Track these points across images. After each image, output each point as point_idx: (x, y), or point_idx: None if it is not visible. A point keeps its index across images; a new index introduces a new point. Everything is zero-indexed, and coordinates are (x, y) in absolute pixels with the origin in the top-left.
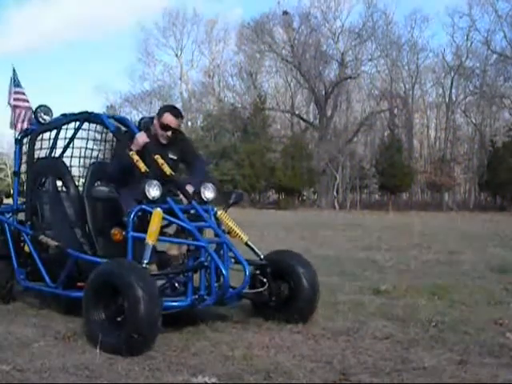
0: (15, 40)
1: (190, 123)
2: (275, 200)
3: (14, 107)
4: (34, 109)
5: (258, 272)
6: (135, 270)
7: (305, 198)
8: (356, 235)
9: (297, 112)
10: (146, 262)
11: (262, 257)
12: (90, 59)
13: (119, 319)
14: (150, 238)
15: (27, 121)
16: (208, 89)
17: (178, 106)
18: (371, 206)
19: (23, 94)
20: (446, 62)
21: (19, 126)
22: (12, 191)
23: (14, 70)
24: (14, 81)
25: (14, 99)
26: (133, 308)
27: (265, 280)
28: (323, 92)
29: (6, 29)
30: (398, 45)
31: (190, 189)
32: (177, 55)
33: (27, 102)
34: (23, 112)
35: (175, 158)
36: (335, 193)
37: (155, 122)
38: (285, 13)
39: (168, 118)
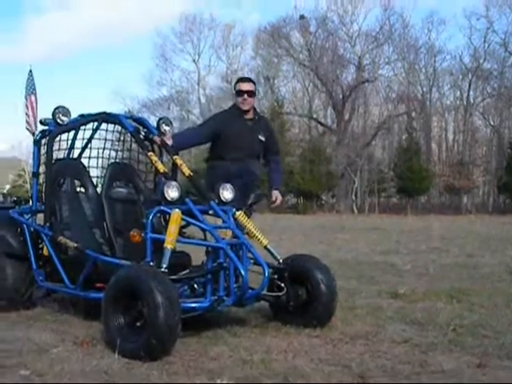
0: (33, 47)
1: None
2: (294, 204)
3: (30, 112)
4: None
5: (275, 276)
6: (155, 276)
7: (323, 201)
8: (374, 239)
9: (314, 116)
10: (165, 266)
11: (280, 261)
12: (108, 65)
13: (138, 324)
14: (169, 242)
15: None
16: (226, 94)
17: (196, 111)
18: (389, 209)
19: (32, 101)
20: (463, 64)
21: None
22: (30, 196)
23: (30, 72)
24: (28, 87)
25: (27, 106)
26: (152, 314)
27: (283, 285)
28: (341, 96)
29: (24, 36)
30: (415, 48)
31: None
32: (194, 60)
33: (29, 108)
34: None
35: (263, 139)
36: (353, 196)
37: (236, 98)
38: (301, 17)
39: (239, 85)
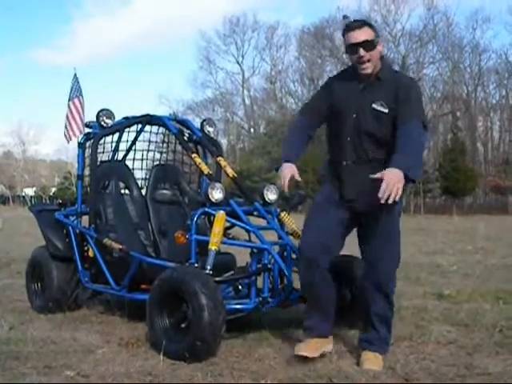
0: (79, 52)
1: (252, 130)
2: None
3: (68, 118)
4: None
5: None
6: (199, 277)
7: None
8: (420, 239)
9: None
10: (209, 267)
11: None
12: (153, 68)
13: (183, 326)
14: (214, 244)
15: (77, 130)
16: (270, 95)
17: (241, 113)
18: (435, 210)
19: (77, 102)
20: (509, 62)
21: (72, 137)
22: (75, 198)
23: (74, 76)
24: (73, 90)
25: (70, 111)
26: (197, 315)
27: None
28: None
29: (71, 42)
30: (460, 47)
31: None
32: (238, 62)
33: (78, 110)
34: (73, 122)
35: (384, 110)
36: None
37: (349, 57)
38: (345, 17)
39: (347, 37)
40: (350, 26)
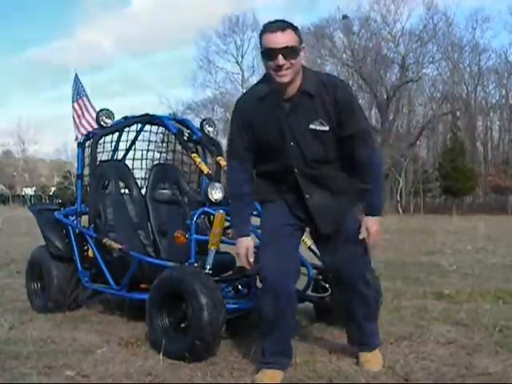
0: (79, 52)
1: None
2: None
3: (77, 118)
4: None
5: (320, 277)
6: (199, 277)
7: None
8: (420, 239)
9: None
10: (209, 267)
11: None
12: (153, 68)
13: (183, 325)
14: (213, 244)
15: (83, 129)
16: None
17: None
18: (435, 209)
19: (84, 101)
20: (508, 62)
21: (80, 135)
22: (75, 198)
23: (76, 76)
24: (76, 92)
25: (76, 111)
26: (196, 315)
27: (327, 286)
28: (385, 96)
29: (70, 42)
30: (460, 46)
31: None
32: (237, 62)
33: (87, 108)
34: (84, 120)
35: (324, 128)
36: (398, 197)
37: (265, 67)
38: (344, 17)
39: (267, 39)
40: (270, 26)
